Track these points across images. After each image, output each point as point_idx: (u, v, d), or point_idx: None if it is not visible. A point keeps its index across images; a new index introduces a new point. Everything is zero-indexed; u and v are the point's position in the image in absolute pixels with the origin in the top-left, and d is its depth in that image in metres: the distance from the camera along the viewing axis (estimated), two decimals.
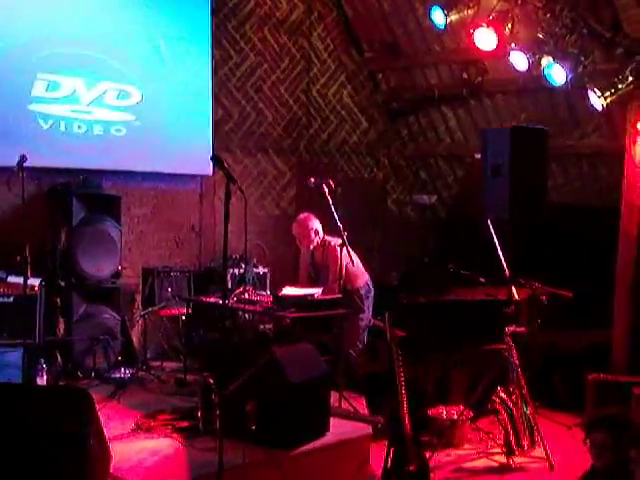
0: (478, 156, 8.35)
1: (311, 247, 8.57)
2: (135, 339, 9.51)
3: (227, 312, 7.41)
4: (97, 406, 5.52)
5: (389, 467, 6.27)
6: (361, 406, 7.81)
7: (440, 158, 12.58)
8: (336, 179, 8.84)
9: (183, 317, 9.23)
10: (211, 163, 8.07)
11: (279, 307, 7.79)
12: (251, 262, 9.76)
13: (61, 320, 8.98)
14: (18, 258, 7.22)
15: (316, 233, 8.53)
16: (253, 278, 9.55)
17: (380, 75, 12.44)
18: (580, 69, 8.43)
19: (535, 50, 8.60)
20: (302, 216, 8.69)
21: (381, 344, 8.53)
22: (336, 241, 8.05)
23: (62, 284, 8.90)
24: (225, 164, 6.31)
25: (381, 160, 12.65)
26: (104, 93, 9.62)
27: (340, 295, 7.86)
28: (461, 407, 8.02)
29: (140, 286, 9.78)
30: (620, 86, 8.29)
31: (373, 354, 8.85)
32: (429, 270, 10.75)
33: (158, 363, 9.34)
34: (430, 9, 9.27)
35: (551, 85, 8.73)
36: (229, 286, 8.93)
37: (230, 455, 5.78)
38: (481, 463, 7.56)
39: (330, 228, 8.26)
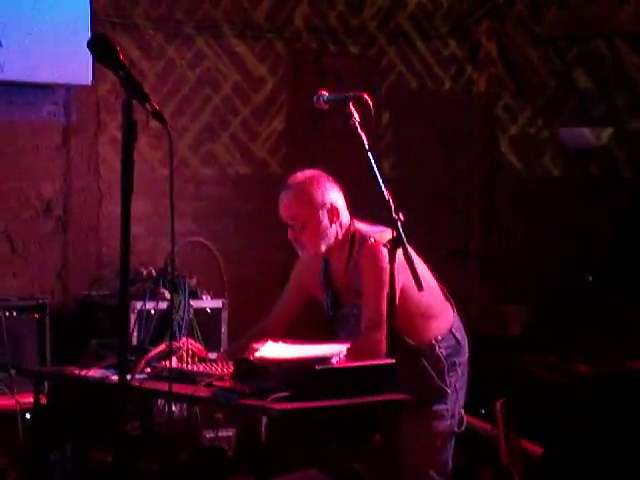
0: None
1: (322, 248, 5.78)
2: None
3: (130, 402, 5.37)
4: None
5: None
6: None
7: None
8: (379, 92, 7.74)
9: (27, 415, 6.80)
10: (90, 55, 4.66)
11: (251, 388, 5.23)
12: (184, 285, 7.09)
13: None
14: None
15: (333, 214, 5.78)
16: (190, 322, 6.89)
17: None
18: None
19: None
20: (302, 177, 5.82)
21: (487, 474, 6.40)
22: (380, 235, 5.48)
23: None
24: (122, 59, 3.98)
25: (482, 39, 8.66)
26: None
27: (391, 359, 5.23)
28: None
29: None
30: None
31: None
32: (592, 300, 7.73)
33: None
34: None
35: None
36: (134, 341, 6.60)
37: None
38: None
39: (367, 207, 5.49)
